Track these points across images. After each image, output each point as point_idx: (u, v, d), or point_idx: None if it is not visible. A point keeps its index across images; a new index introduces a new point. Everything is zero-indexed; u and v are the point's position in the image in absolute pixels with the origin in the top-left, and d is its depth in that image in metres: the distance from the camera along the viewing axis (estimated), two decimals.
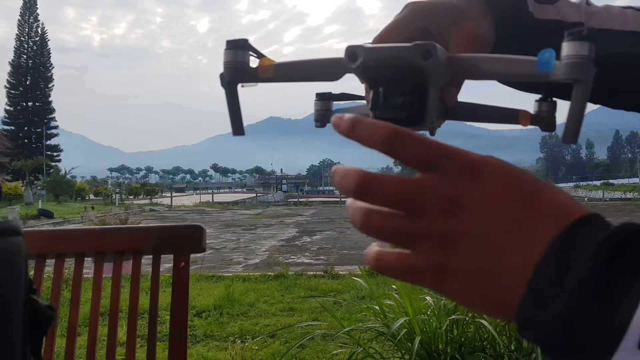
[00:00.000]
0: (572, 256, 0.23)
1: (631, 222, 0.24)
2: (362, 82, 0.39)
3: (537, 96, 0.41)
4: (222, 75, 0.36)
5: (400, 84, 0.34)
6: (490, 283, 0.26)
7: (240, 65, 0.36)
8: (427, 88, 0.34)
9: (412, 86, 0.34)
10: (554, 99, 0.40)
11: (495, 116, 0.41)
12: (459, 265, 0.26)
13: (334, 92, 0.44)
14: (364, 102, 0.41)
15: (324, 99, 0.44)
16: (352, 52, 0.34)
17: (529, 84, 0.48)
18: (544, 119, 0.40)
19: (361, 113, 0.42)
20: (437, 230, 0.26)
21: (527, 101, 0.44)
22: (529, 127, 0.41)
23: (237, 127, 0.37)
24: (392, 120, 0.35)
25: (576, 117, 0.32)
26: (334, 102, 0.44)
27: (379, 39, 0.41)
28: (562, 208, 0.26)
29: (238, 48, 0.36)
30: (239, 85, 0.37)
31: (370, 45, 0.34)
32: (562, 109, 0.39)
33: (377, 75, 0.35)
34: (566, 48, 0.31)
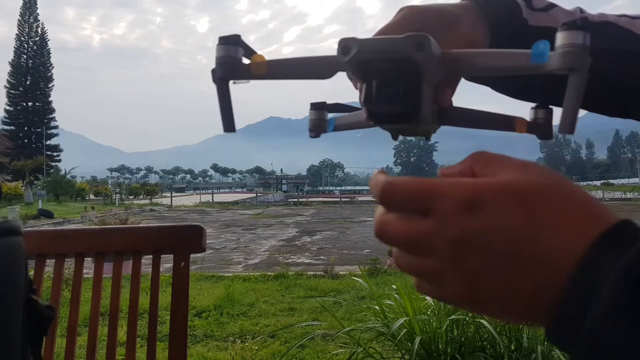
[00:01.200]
0: (596, 283, 0.23)
1: None
2: (354, 81, 0.38)
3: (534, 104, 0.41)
4: (213, 71, 0.36)
5: (394, 77, 0.34)
6: (506, 307, 0.26)
7: (233, 61, 0.35)
8: (420, 83, 0.34)
9: (406, 81, 0.34)
10: (550, 106, 0.39)
11: (491, 123, 0.41)
12: (471, 285, 0.26)
13: (329, 101, 0.44)
14: (359, 112, 0.40)
15: (318, 108, 0.43)
16: (345, 45, 0.33)
17: (522, 89, 0.48)
18: (540, 126, 0.39)
19: (356, 120, 0.42)
20: (446, 268, 0.26)
21: (525, 107, 0.42)
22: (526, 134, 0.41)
23: (228, 123, 0.37)
24: (385, 114, 0.34)
25: (572, 107, 0.31)
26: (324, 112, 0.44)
27: None
28: (581, 221, 0.25)
29: (230, 44, 0.35)
30: (231, 82, 0.36)
31: (364, 38, 0.34)
32: (558, 114, 0.38)
33: (370, 69, 0.34)
34: (560, 38, 0.30)
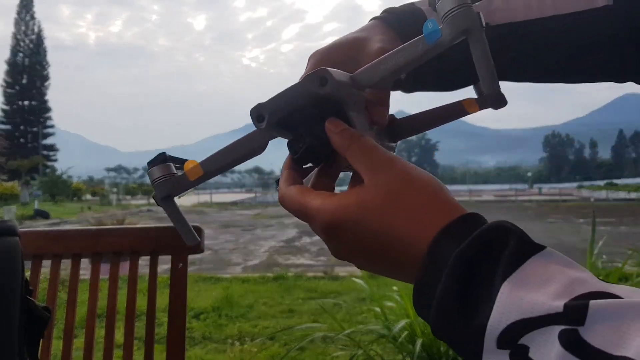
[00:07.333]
0: (440, 270, 0.26)
1: (496, 225, 0.26)
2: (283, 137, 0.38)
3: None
4: (155, 195, 0.37)
5: (316, 120, 0.33)
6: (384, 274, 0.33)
7: (169, 179, 0.37)
8: (346, 113, 0.33)
9: (329, 117, 0.33)
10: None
11: (441, 117, 0.40)
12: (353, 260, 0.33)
13: None
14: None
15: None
16: (258, 113, 0.34)
17: (448, 79, 0.47)
18: (489, 97, 0.37)
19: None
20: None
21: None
22: (480, 111, 0.39)
23: (189, 235, 0.38)
24: (316, 157, 0.35)
25: (486, 67, 0.31)
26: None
27: None
28: (429, 216, 0.28)
29: (160, 162, 0.37)
30: (176, 198, 0.38)
31: (270, 98, 0.34)
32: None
33: (291, 122, 0.34)
34: (440, 7, 0.30)
